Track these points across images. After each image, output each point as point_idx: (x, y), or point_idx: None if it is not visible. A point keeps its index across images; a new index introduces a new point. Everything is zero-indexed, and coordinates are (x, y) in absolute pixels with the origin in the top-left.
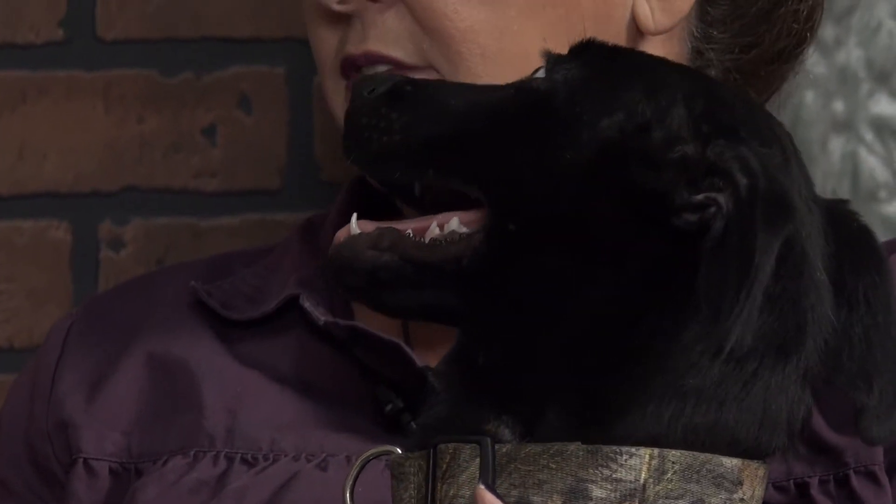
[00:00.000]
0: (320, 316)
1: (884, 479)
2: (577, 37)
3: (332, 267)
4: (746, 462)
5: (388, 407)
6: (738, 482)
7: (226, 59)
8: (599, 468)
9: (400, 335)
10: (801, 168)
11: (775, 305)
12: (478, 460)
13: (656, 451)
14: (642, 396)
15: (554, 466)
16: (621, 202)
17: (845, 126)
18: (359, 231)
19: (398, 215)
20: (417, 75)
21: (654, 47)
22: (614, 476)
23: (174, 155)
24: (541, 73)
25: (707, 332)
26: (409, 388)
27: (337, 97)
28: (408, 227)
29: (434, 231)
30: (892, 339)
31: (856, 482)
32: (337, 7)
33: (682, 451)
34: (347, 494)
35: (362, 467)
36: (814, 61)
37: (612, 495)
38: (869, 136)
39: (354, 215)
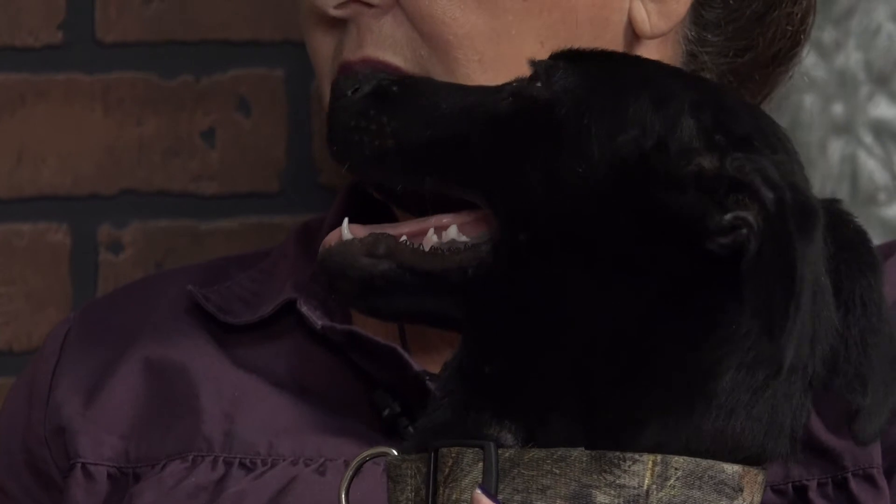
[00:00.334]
0: (317, 320)
1: (882, 482)
2: (574, 41)
3: (324, 273)
4: (747, 468)
5: (386, 411)
6: (738, 489)
7: (224, 63)
8: (603, 474)
9: (397, 339)
10: (802, 170)
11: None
12: (481, 464)
13: (659, 457)
14: (650, 404)
15: (558, 472)
16: (640, 220)
17: (844, 129)
18: (350, 236)
19: (394, 220)
20: None
21: (649, 51)
22: (618, 482)
23: (173, 158)
24: (524, 83)
25: (748, 348)
26: (406, 393)
27: None
28: (401, 230)
29: (432, 238)
30: (884, 340)
31: (854, 485)
32: (333, 12)
33: (685, 458)
34: (343, 496)
35: (357, 469)
36: (813, 64)
37: (616, 501)
38: (868, 138)
39: (346, 219)
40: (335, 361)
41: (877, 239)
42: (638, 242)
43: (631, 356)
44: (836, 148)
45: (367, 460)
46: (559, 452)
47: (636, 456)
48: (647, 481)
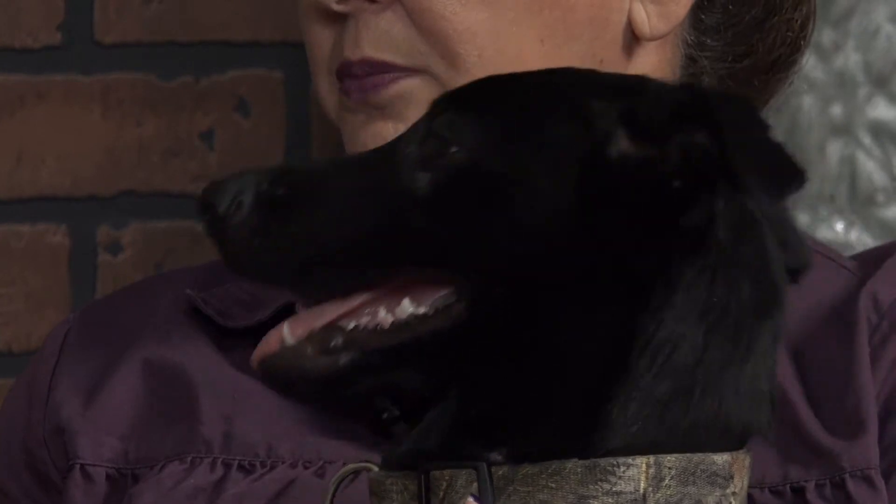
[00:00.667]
0: None
1: (880, 482)
2: (573, 40)
3: (273, 383)
4: (735, 454)
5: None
6: (729, 477)
7: (224, 64)
8: (599, 483)
9: None
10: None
11: (750, 269)
12: (475, 485)
13: (652, 458)
14: (642, 407)
15: (553, 485)
16: (610, 231)
17: (843, 130)
18: (293, 339)
19: None
20: (413, 78)
21: (647, 53)
22: (615, 489)
23: (172, 159)
24: (425, 147)
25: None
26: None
27: (331, 97)
28: (340, 312)
29: (387, 318)
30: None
31: (852, 486)
32: (336, 7)
33: (677, 455)
34: None
35: (339, 483)
36: (812, 65)
37: None
38: (867, 140)
39: (286, 324)
40: None
41: (876, 240)
42: (614, 253)
43: (618, 364)
44: (834, 149)
45: (347, 476)
46: (553, 466)
47: (629, 461)
48: (642, 485)
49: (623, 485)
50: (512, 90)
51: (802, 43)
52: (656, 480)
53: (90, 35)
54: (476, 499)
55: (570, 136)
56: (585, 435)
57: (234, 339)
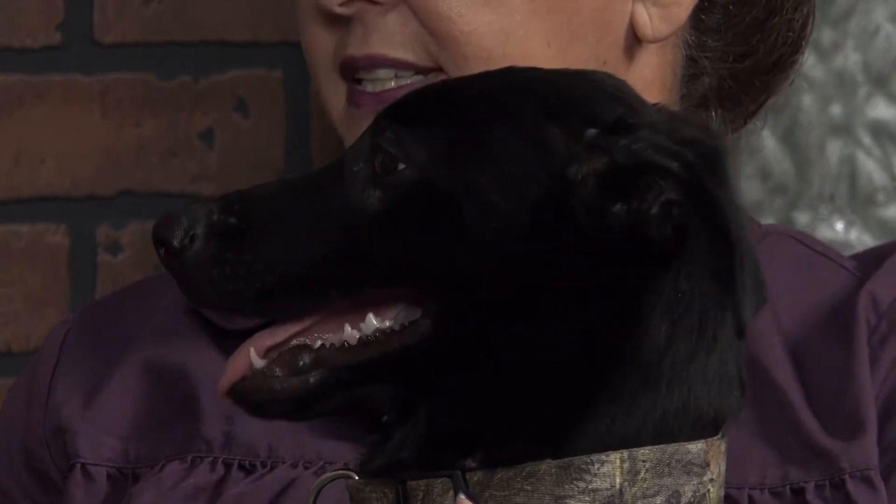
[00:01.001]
0: None
1: (879, 483)
2: (578, 43)
3: (247, 407)
4: (710, 442)
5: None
6: (705, 464)
7: (223, 63)
8: (574, 482)
9: None
10: (673, 113)
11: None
12: (451, 493)
13: (626, 452)
14: (611, 405)
15: (529, 488)
16: (567, 248)
17: (843, 130)
18: (262, 362)
19: None
20: (426, 76)
21: (649, 54)
22: (590, 487)
23: (171, 159)
24: (374, 165)
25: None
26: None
27: (336, 99)
28: (303, 327)
29: (353, 334)
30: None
31: (851, 486)
32: (338, 9)
33: (651, 448)
34: None
35: (319, 491)
36: (811, 65)
37: None
38: (867, 139)
39: (252, 349)
40: None
41: (876, 239)
42: (572, 267)
43: (585, 367)
44: (834, 149)
45: (328, 482)
46: (527, 468)
47: (603, 457)
48: (618, 480)
49: (598, 482)
50: (456, 102)
51: (803, 43)
52: (632, 474)
53: (89, 35)
54: (468, 495)
55: (521, 154)
56: (557, 436)
57: (234, 339)
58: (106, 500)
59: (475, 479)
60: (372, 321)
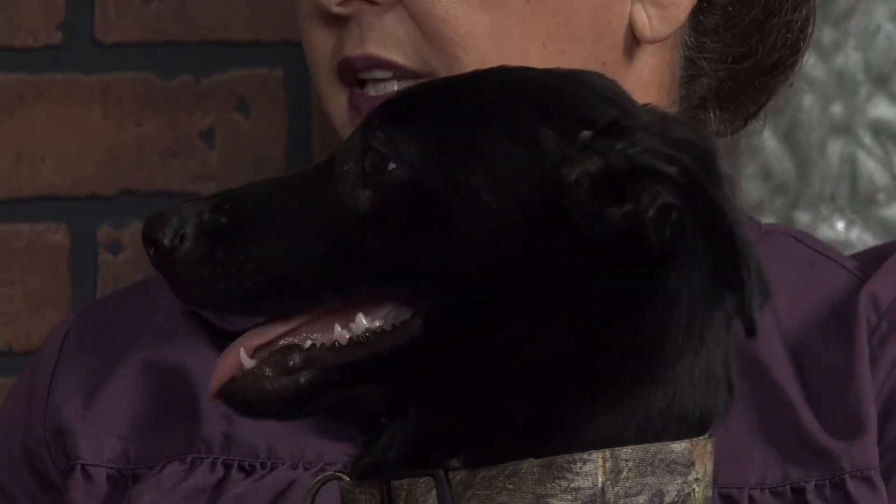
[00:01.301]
0: None
1: (879, 483)
2: (575, 44)
3: (237, 407)
4: (695, 441)
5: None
6: (689, 464)
7: (224, 63)
8: (556, 481)
9: None
10: (664, 112)
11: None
12: (434, 492)
13: (608, 451)
14: (598, 405)
15: (511, 487)
16: (563, 250)
17: (844, 129)
18: (251, 363)
19: None
20: (417, 80)
21: (648, 55)
22: (572, 486)
23: (172, 158)
24: (365, 165)
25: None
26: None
27: (336, 101)
28: (292, 327)
29: (343, 334)
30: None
31: (851, 486)
32: (336, 9)
33: (633, 447)
34: None
35: (315, 493)
36: (812, 65)
37: None
38: (867, 139)
39: (241, 349)
40: None
41: (877, 239)
42: (564, 268)
43: (573, 365)
44: (835, 148)
45: (322, 485)
46: (510, 467)
47: (585, 456)
48: (600, 479)
49: (581, 480)
50: (447, 101)
51: (802, 44)
52: (614, 473)
53: (90, 35)
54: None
55: (512, 153)
56: (541, 436)
57: (233, 340)
58: (106, 500)
59: (458, 478)
60: (362, 321)
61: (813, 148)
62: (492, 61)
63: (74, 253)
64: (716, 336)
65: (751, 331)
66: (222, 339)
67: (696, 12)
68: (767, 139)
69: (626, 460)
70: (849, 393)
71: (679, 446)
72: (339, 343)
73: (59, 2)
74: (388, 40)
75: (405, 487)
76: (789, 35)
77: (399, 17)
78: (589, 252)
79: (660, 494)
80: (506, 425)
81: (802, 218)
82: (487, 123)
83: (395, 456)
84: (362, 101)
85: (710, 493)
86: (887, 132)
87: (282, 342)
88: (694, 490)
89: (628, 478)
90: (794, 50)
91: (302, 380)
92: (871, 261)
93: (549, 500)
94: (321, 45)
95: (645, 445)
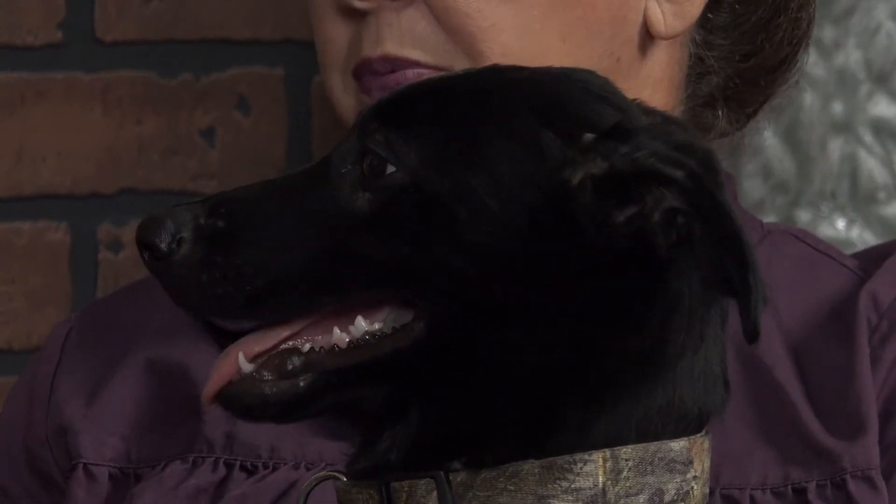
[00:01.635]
0: None
1: (880, 483)
2: (593, 38)
3: (236, 411)
4: (692, 439)
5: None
6: (688, 462)
7: (224, 61)
8: (557, 481)
9: None
10: (662, 113)
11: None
12: (434, 494)
13: (608, 451)
14: (599, 405)
15: (512, 488)
16: (566, 253)
17: (844, 127)
18: (250, 367)
19: None
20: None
21: (660, 51)
22: (573, 486)
23: (172, 157)
24: (362, 167)
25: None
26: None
27: (346, 97)
28: (290, 335)
29: (342, 337)
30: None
31: (853, 486)
32: (357, 4)
33: (633, 447)
34: None
35: (309, 492)
36: (813, 63)
37: None
38: (868, 137)
39: (240, 353)
40: None
41: (877, 237)
42: (567, 270)
43: (574, 367)
44: (835, 147)
45: (317, 483)
46: (510, 469)
47: (585, 456)
48: (601, 479)
49: (581, 481)
50: (445, 103)
51: (806, 41)
52: (614, 473)
53: (90, 33)
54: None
55: (513, 156)
56: (541, 436)
57: (235, 339)
58: (108, 500)
59: (459, 479)
60: (361, 324)
61: (813, 146)
62: (512, 55)
63: (75, 251)
64: (713, 333)
65: (753, 336)
66: (225, 339)
67: (705, 10)
68: (768, 138)
69: (627, 460)
70: (849, 393)
71: (678, 445)
72: (338, 346)
73: (60, 1)
74: (406, 38)
75: (405, 489)
76: (796, 33)
77: (419, 11)
78: (591, 254)
79: (659, 493)
80: (507, 426)
81: (803, 216)
82: (487, 125)
83: (397, 458)
84: (373, 82)
85: (707, 491)
86: (888, 130)
87: (281, 346)
88: (692, 488)
89: (629, 477)
90: (798, 48)
91: (301, 383)
92: (871, 260)
93: (550, 500)
94: (337, 39)
95: (645, 444)
